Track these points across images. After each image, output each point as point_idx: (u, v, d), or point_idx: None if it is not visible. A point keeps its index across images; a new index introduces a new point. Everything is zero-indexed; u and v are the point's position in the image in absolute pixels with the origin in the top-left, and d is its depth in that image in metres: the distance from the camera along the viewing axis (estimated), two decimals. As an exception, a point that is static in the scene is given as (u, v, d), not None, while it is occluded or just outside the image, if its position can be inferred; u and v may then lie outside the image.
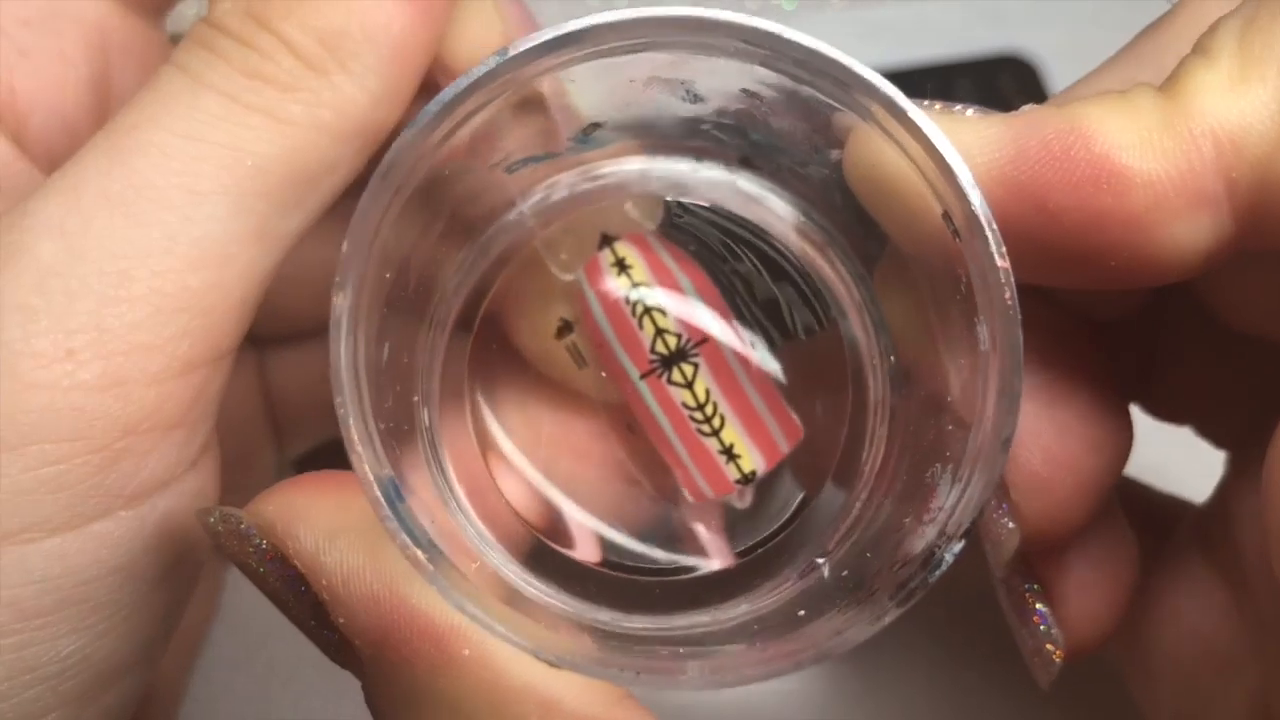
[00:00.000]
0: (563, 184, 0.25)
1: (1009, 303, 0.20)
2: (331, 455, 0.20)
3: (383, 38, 0.24)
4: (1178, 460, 0.30)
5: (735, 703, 0.35)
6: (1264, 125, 0.20)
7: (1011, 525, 0.24)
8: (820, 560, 0.24)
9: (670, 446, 0.25)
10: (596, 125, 0.24)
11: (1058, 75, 0.47)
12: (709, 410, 0.25)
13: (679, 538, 0.26)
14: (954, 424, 0.22)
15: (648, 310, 0.25)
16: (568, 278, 0.26)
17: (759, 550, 0.25)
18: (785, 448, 0.26)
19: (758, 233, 0.25)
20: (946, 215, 0.21)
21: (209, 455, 0.26)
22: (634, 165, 0.25)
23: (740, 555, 0.25)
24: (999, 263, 0.20)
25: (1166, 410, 0.30)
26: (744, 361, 0.25)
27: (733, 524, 0.26)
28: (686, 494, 0.26)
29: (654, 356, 0.25)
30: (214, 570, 0.36)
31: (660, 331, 0.25)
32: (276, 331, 0.34)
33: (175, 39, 0.31)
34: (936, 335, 0.23)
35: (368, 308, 0.21)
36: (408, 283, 0.23)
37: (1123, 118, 0.21)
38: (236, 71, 0.24)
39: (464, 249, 0.25)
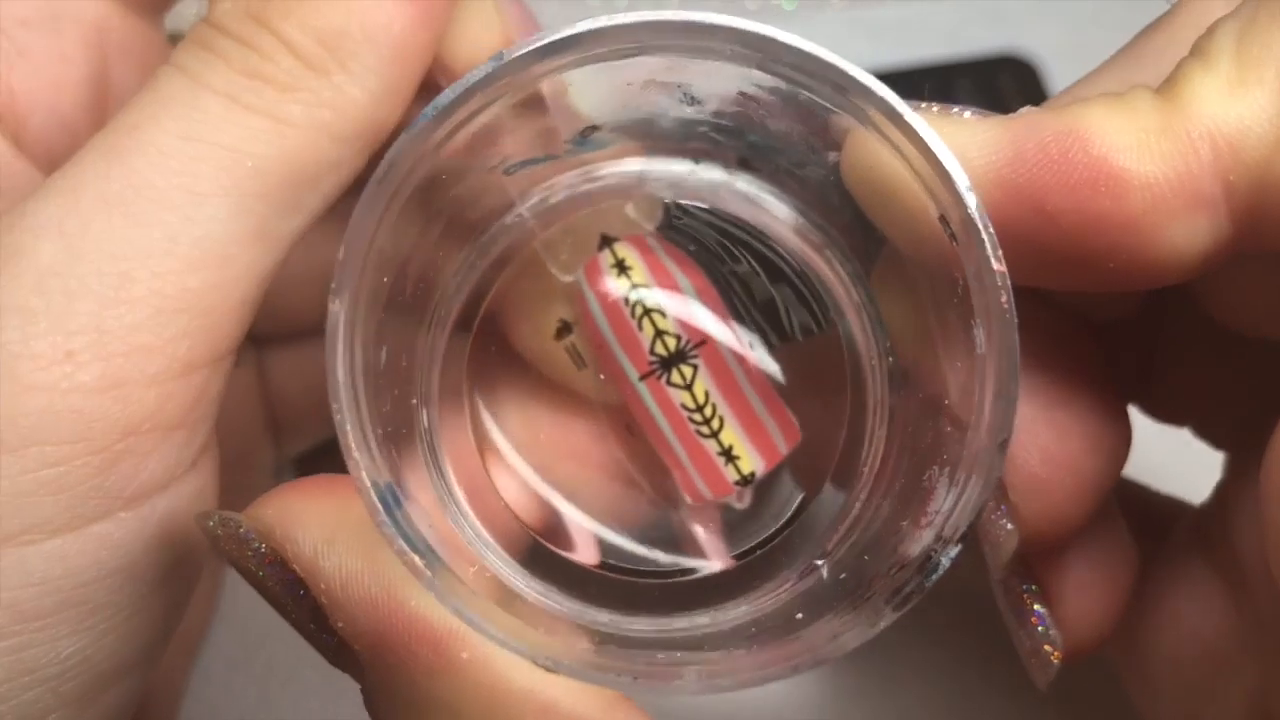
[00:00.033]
0: (561, 185, 0.25)
1: (1005, 306, 0.20)
2: (332, 454, 0.20)
3: (383, 38, 0.24)
4: (1176, 461, 0.30)
5: (733, 702, 0.35)
6: (1262, 128, 0.20)
7: (1010, 526, 0.24)
8: (819, 562, 0.24)
9: (669, 448, 0.25)
10: (594, 128, 0.24)
11: (1057, 75, 0.47)
12: (708, 412, 0.25)
13: (678, 539, 0.26)
14: (952, 425, 0.22)
15: (647, 311, 0.25)
16: (567, 279, 0.26)
17: (758, 552, 0.25)
18: (784, 449, 0.26)
19: (756, 234, 0.25)
20: (943, 219, 0.21)
21: (208, 455, 0.26)
22: (633, 167, 0.25)
23: (740, 556, 0.25)
24: (995, 266, 0.20)
25: (1165, 411, 0.30)
26: (743, 362, 0.25)
27: (732, 525, 0.26)
28: (685, 495, 0.26)
29: (653, 358, 0.25)
30: (213, 570, 0.36)
31: (660, 333, 0.25)
32: (275, 330, 0.34)
33: (174, 38, 0.31)
34: (935, 336, 0.23)
35: (365, 313, 0.21)
36: (406, 286, 0.23)
37: (1121, 120, 0.21)
38: (236, 72, 0.24)
39: (463, 251, 0.25)
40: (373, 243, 0.20)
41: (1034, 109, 0.22)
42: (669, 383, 0.25)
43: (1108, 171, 0.20)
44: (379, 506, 0.20)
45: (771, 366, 0.26)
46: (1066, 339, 0.25)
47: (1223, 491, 0.29)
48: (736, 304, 0.26)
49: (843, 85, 0.20)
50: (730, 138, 0.24)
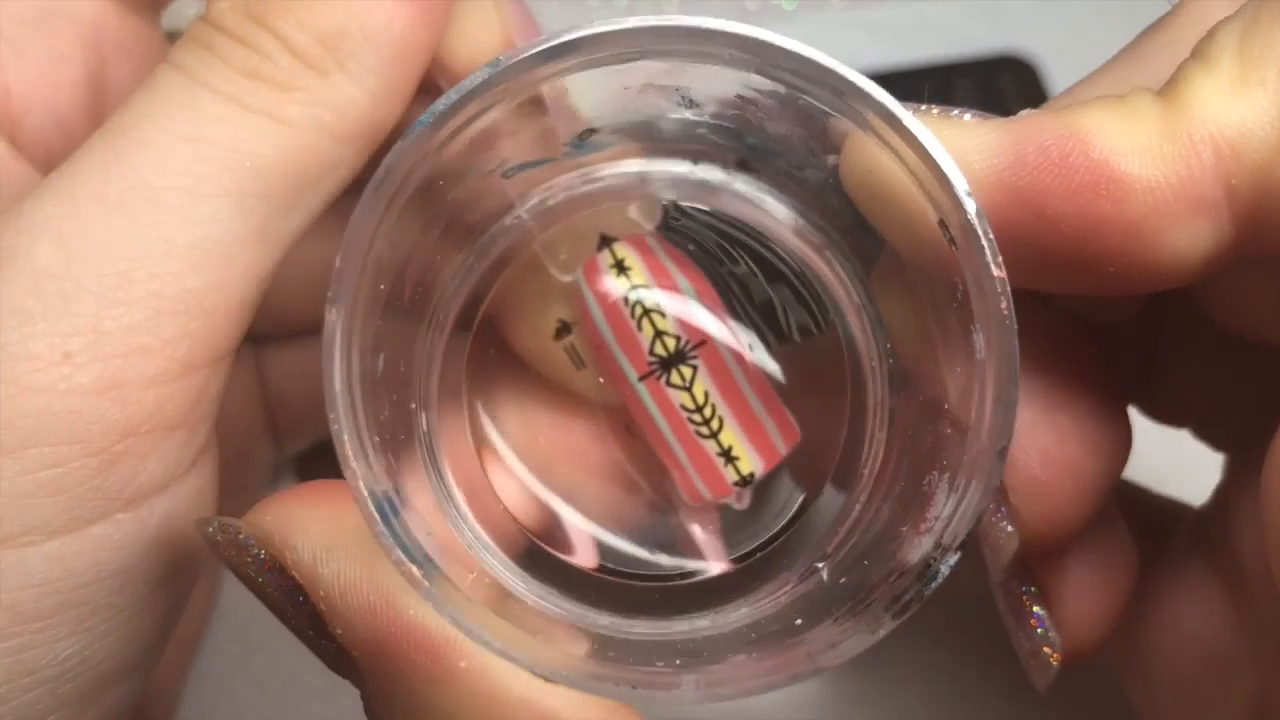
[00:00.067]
0: (560, 187, 0.25)
1: (1005, 312, 0.20)
2: (331, 455, 0.20)
3: (383, 38, 0.24)
4: (1175, 463, 0.30)
5: (733, 703, 0.35)
6: (1264, 131, 0.20)
7: (1010, 529, 0.24)
8: (820, 564, 0.24)
9: (669, 448, 0.25)
10: (593, 130, 0.24)
11: (1057, 75, 0.46)
12: (707, 412, 0.25)
13: (678, 541, 0.26)
14: (952, 428, 0.22)
15: (646, 312, 0.25)
16: (566, 279, 0.26)
17: (759, 554, 0.25)
18: (783, 450, 0.26)
19: (755, 235, 0.25)
20: (942, 223, 0.21)
21: (208, 456, 0.26)
22: (631, 167, 0.25)
23: (740, 558, 0.25)
24: (995, 272, 0.20)
25: (1164, 413, 0.30)
26: (742, 363, 0.25)
27: (732, 527, 0.26)
28: (685, 496, 0.26)
29: (653, 358, 0.25)
30: (211, 570, 0.36)
31: (659, 333, 0.25)
32: (274, 329, 0.34)
33: (172, 36, 0.31)
34: (934, 339, 0.23)
35: (362, 320, 0.21)
36: (404, 289, 0.23)
37: (1122, 123, 0.21)
38: (235, 71, 0.24)
39: (461, 253, 0.25)
40: (370, 249, 0.20)
41: (1034, 111, 0.22)
42: (668, 383, 0.25)
43: (1109, 175, 0.20)
44: (376, 516, 0.20)
45: (771, 367, 0.26)
46: (1066, 341, 0.25)
47: (1223, 493, 0.29)
48: (736, 304, 0.26)
49: (841, 90, 0.20)
50: (729, 140, 0.24)
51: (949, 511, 0.20)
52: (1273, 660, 0.26)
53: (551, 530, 0.25)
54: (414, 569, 0.20)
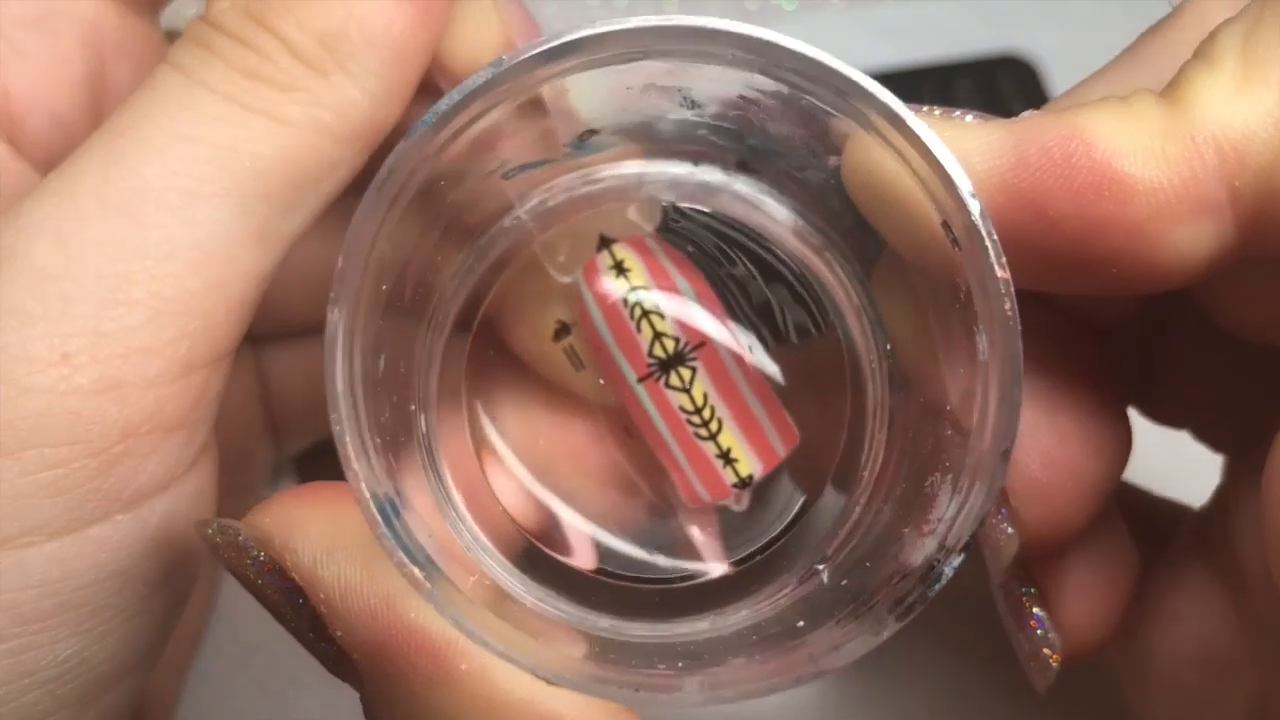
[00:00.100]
0: (560, 188, 0.25)
1: (1009, 313, 0.20)
2: (331, 455, 0.20)
3: (383, 39, 0.24)
4: (1175, 465, 0.30)
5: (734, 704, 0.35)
6: (1267, 132, 0.20)
7: (1011, 531, 0.24)
8: (820, 566, 0.24)
9: (667, 450, 0.25)
10: (593, 131, 0.24)
11: (1057, 76, 0.46)
12: (706, 414, 0.25)
13: (677, 543, 0.26)
14: (953, 429, 0.22)
15: (645, 313, 0.25)
16: (566, 280, 0.26)
17: (759, 556, 0.25)
18: (782, 452, 0.26)
19: (755, 236, 0.25)
20: (946, 224, 0.21)
21: (207, 456, 0.26)
22: (631, 169, 0.25)
23: (740, 560, 0.25)
24: (999, 273, 0.20)
25: (1164, 414, 0.30)
26: (742, 365, 0.25)
27: (732, 529, 0.26)
28: (684, 498, 0.26)
29: (652, 360, 0.25)
30: (211, 571, 0.36)
31: (658, 335, 0.25)
32: (273, 329, 0.34)
33: (171, 36, 0.31)
34: (935, 340, 0.23)
35: (364, 321, 0.21)
36: (404, 291, 0.23)
37: (1124, 124, 0.21)
38: (235, 71, 0.24)
39: (461, 254, 0.25)
40: (372, 250, 0.20)
41: (1036, 112, 0.22)
42: (667, 385, 0.25)
43: (1111, 176, 0.20)
44: (379, 518, 0.20)
45: (771, 369, 0.26)
46: (1067, 343, 0.25)
47: (1222, 495, 0.29)
48: (735, 306, 0.26)
49: (845, 90, 0.20)
50: (730, 140, 0.24)
51: (952, 513, 0.20)
52: (1273, 662, 0.26)
53: (550, 532, 0.25)
54: (416, 571, 0.20)
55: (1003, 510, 0.24)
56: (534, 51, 0.20)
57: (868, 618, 0.20)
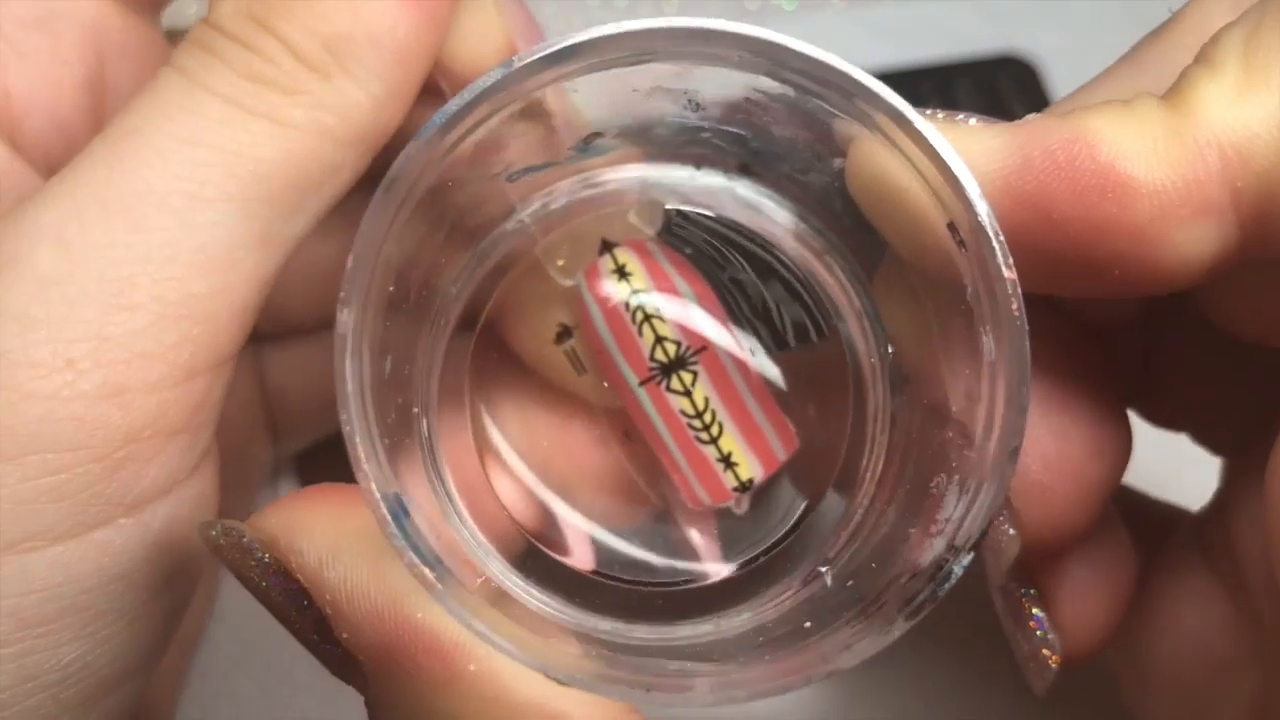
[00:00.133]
0: (562, 191, 0.25)
1: (1016, 314, 0.20)
2: (331, 453, 0.20)
3: (386, 41, 0.24)
4: (1174, 467, 0.30)
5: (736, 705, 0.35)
6: (1270, 135, 0.20)
7: (1012, 532, 0.24)
8: (822, 569, 0.24)
9: (668, 453, 0.25)
10: (597, 134, 0.24)
11: (1058, 76, 0.47)
12: (707, 418, 0.25)
13: (678, 546, 0.26)
14: (956, 432, 0.22)
15: (647, 317, 0.25)
16: (568, 283, 0.26)
17: (761, 559, 0.25)
18: (782, 456, 0.26)
19: (756, 239, 0.25)
20: (951, 225, 0.21)
21: (209, 460, 0.26)
22: (633, 173, 0.25)
23: (742, 564, 0.25)
24: (1006, 274, 0.20)
25: (1163, 416, 0.30)
26: (743, 369, 0.25)
27: (734, 532, 0.26)
28: (685, 501, 0.26)
29: (653, 364, 0.25)
30: (210, 571, 0.36)
31: (660, 339, 0.25)
32: (273, 329, 0.34)
33: (171, 35, 0.31)
34: (937, 343, 0.23)
35: (371, 322, 0.21)
36: (408, 293, 0.23)
37: (1127, 127, 0.21)
38: (237, 74, 0.24)
39: (464, 257, 0.25)
40: (381, 251, 0.20)
41: (1039, 115, 0.22)
42: (668, 389, 0.25)
43: (1115, 178, 0.20)
44: (389, 519, 0.20)
45: (772, 372, 0.26)
46: (1068, 344, 0.25)
47: (1222, 497, 0.29)
48: (736, 310, 0.26)
49: (850, 91, 0.20)
50: (732, 143, 0.24)
51: (960, 513, 0.20)
52: (1273, 662, 0.26)
53: (551, 534, 0.25)
54: (427, 572, 0.20)
55: (1004, 512, 0.24)
56: (546, 52, 0.20)
57: (877, 617, 0.20)
